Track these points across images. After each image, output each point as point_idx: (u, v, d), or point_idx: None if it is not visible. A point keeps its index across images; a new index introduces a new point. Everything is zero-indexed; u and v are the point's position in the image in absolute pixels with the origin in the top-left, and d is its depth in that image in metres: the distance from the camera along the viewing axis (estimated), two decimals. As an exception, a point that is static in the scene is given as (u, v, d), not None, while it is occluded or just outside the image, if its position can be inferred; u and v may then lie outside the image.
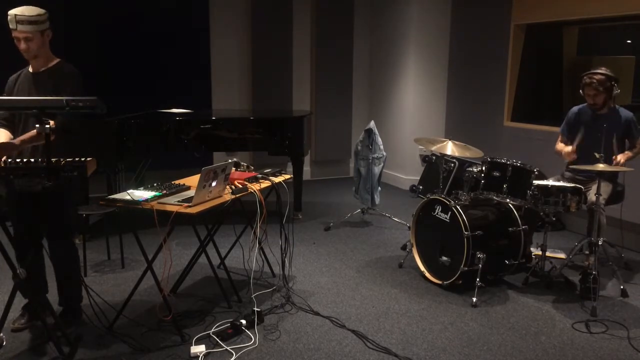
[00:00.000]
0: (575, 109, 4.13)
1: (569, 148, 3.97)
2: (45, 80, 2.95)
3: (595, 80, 3.80)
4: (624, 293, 3.66)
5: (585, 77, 3.87)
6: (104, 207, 3.13)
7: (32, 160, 2.65)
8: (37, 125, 2.50)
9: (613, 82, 3.81)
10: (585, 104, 4.06)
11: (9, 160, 2.63)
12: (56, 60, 3.03)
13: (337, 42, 7.20)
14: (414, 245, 4.05)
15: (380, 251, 4.58)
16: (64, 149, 2.73)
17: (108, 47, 6.07)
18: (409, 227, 4.21)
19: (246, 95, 7.00)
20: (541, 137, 5.28)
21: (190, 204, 2.86)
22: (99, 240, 4.56)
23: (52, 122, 2.80)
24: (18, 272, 2.65)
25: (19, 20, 2.80)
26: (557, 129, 4.35)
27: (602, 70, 3.82)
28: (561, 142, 4.19)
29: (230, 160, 3.25)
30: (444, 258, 3.77)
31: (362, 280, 3.94)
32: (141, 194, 3.00)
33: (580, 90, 3.95)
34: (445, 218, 3.75)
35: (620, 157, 3.75)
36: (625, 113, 3.92)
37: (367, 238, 4.93)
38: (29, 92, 2.94)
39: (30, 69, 3.00)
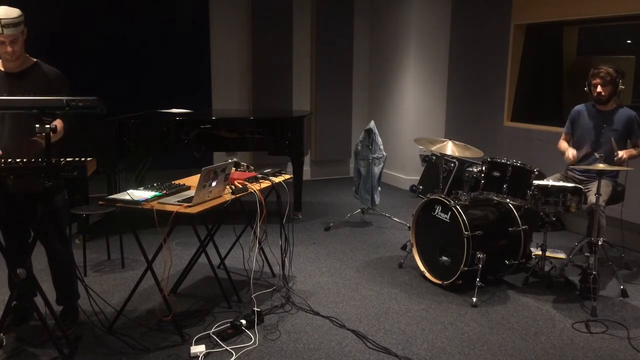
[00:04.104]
0: (578, 107, 4.13)
1: (572, 152, 3.96)
2: (26, 81, 2.86)
3: (603, 71, 3.85)
4: (624, 293, 3.66)
5: (593, 70, 3.92)
6: (104, 207, 3.13)
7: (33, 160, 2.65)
8: (38, 126, 2.48)
9: (620, 77, 3.84)
10: (588, 102, 4.07)
11: (9, 160, 2.63)
12: (33, 60, 2.94)
13: (337, 42, 7.20)
14: (414, 245, 4.05)
15: (380, 251, 4.58)
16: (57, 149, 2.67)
17: (108, 47, 6.07)
18: (409, 227, 4.21)
19: (246, 95, 7.00)
20: (541, 137, 5.28)
21: (190, 204, 2.86)
22: (99, 240, 4.56)
23: (59, 122, 2.78)
24: (18, 272, 2.65)
25: (5, 24, 2.68)
26: (557, 129, 4.36)
27: (611, 65, 3.88)
28: (564, 140, 4.19)
29: (230, 160, 3.25)
30: (444, 258, 3.77)
31: (362, 280, 3.93)
32: (141, 194, 3.00)
33: (586, 87, 3.96)
34: (445, 218, 3.75)
35: (623, 153, 3.74)
36: (628, 112, 3.92)
37: (367, 238, 4.93)
38: (10, 91, 2.80)
39: (2, 68, 2.88)
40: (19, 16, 2.75)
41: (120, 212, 3.38)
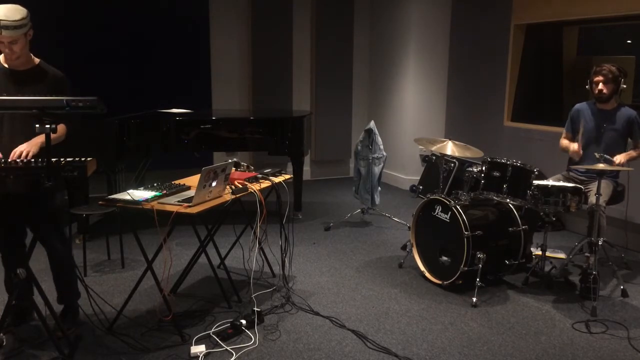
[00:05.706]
0: (578, 105, 4.13)
1: (575, 145, 3.95)
2: (28, 80, 2.86)
3: (605, 68, 3.85)
4: (624, 293, 3.66)
5: (595, 68, 3.92)
6: (104, 207, 3.13)
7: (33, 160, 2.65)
8: (38, 126, 2.48)
9: (622, 77, 3.84)
10: (589, 101, 4.06)
11: (9, 160, 2.63)
12: (37, 60, 2.94)
13: (337, 42, 7.19)
14: (414, 245, 4.05)
15: (380, 251, 4.58)
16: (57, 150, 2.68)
17: (107, 47, 6.07)
18: (409, 227, 4.21)
19: (246, 95, 7.00)
20: (541, 137, 5.28)
21: (190, 204, 2.86)
22: (99, 240, 4.55)
23: (61, 126, 2.80)
24: (18, 272, 2.65)
25: (4, 26, 2.65)
26: (557, 129, 4.36)
27: (613, 64, 3.88)
28: (565, 138, 4.18)
29: (230, 160, 3.25)
30: (444, 258, 3.77)
31: (362, 280, 3.93)
32: (141, 194, 3.00)
33: (587, 85, 3.96)
34: (445, 218, 3.75)
35: (621, 158, 3.74)
36: (628, 111, 3.92)
37: (367, 238, 4.93)
38: (12, 90, 2.80)
39: (6, 65, 2.87)
40: (22, 19, 2.72)
41: (120, 212, 3.38)
